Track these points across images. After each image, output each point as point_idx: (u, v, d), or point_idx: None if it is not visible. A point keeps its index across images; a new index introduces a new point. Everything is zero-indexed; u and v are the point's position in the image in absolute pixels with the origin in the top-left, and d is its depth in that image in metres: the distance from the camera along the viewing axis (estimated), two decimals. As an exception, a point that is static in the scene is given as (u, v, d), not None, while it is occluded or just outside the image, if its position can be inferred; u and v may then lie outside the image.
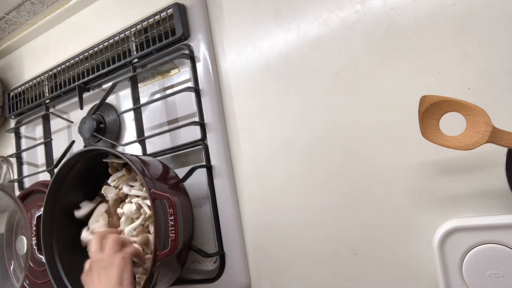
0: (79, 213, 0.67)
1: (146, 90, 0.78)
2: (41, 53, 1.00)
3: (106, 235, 0.57)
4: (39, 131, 0.98)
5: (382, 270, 0.53)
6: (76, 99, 0.85)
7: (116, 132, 0.81)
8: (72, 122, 0.90)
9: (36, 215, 0.78)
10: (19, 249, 0.66)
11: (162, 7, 0.72)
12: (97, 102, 0.80)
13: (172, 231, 0.53)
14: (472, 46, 0.48)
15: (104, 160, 0.65)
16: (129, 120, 0.80)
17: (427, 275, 0.49)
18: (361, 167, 0.55)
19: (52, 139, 0.90)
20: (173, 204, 0.53)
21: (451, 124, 0.42)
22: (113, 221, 0.65)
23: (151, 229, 0.60)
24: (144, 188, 0.61)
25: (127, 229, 0.61)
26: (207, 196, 0.66)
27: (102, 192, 0.66)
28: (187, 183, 0.65)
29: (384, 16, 0.54)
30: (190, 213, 0.64)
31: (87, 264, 0.56)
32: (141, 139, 0.72)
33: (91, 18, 0.89)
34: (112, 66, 0.79)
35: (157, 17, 0.72)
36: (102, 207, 0.67)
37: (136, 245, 0.59)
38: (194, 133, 0.68)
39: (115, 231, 0.61)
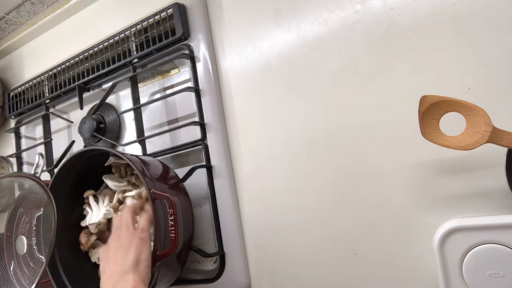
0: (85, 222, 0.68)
1: (146, 90, 0.78)
2: (41, 53, 1.00)
3: (125, 210, 0.56)
4: (39, 131, 0.97)
5: (382, 270, 0.53)
6: (76, 99, 0.85)
7: (116, 132, 0.81)
8: (72, 122, 0.90)
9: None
10: (19, 249, 0.66)
11: (162, 7, 0.72)
12: (97, 102, 0.80)
13: (172, 231, 0.53)
14: (472, 46, 0.48)
15: (106, 164, 0.65)
16: (129, 120, 0.80)
17: (427, 275, 0.49)
18: (361, 167, 0.55)
19: (52, 139, 0.90)
20: (173, 204, 0.53)
21: (451, 124, 0.42)
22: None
23: (151, 229, 0.60)
24: (144, 191, 0.62)
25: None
26: (207, 196, 0.66)
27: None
28: (187, 183, 0.65)
29: (384, 16, 0.54)
30: (190, 213, 0.64)
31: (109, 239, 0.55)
32: (141, 139, 0.72)
33: (91, 18, 0.89)
34: (112, 66, 0.79)
35: (157, 17, 0.72)
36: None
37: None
38: (194, 133, 0.68)
39: (136, 205, 0.59)
